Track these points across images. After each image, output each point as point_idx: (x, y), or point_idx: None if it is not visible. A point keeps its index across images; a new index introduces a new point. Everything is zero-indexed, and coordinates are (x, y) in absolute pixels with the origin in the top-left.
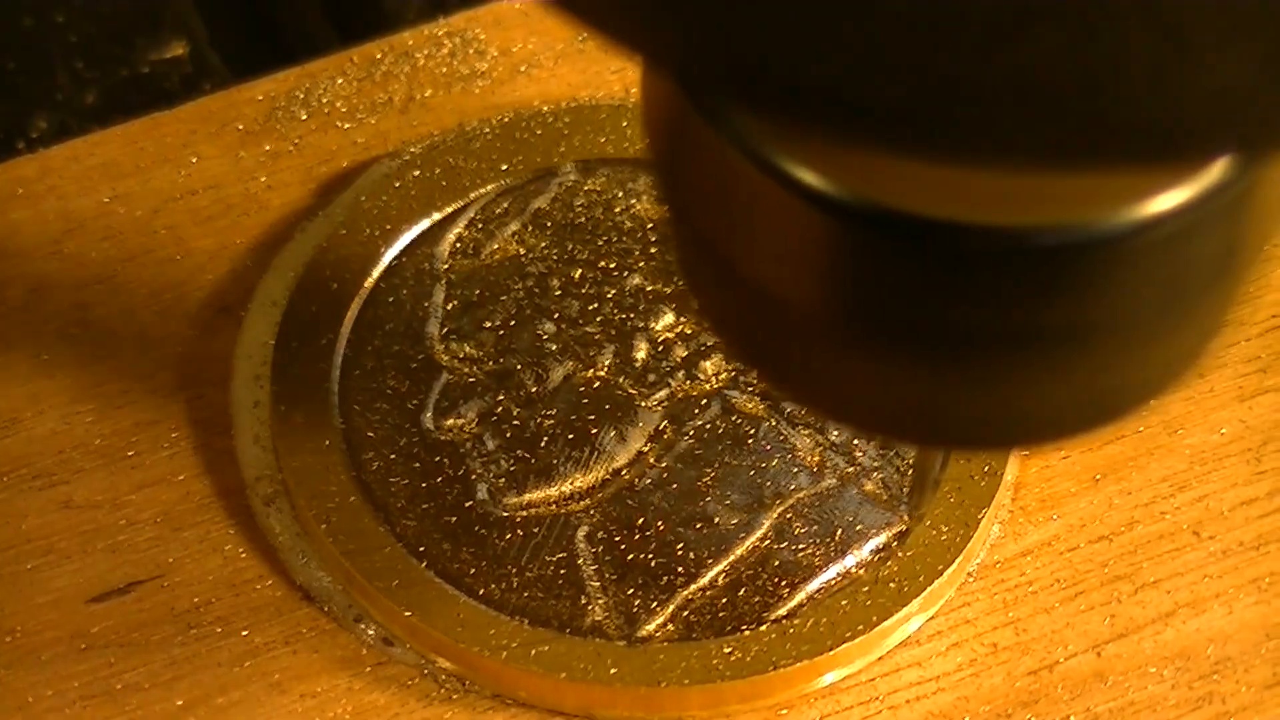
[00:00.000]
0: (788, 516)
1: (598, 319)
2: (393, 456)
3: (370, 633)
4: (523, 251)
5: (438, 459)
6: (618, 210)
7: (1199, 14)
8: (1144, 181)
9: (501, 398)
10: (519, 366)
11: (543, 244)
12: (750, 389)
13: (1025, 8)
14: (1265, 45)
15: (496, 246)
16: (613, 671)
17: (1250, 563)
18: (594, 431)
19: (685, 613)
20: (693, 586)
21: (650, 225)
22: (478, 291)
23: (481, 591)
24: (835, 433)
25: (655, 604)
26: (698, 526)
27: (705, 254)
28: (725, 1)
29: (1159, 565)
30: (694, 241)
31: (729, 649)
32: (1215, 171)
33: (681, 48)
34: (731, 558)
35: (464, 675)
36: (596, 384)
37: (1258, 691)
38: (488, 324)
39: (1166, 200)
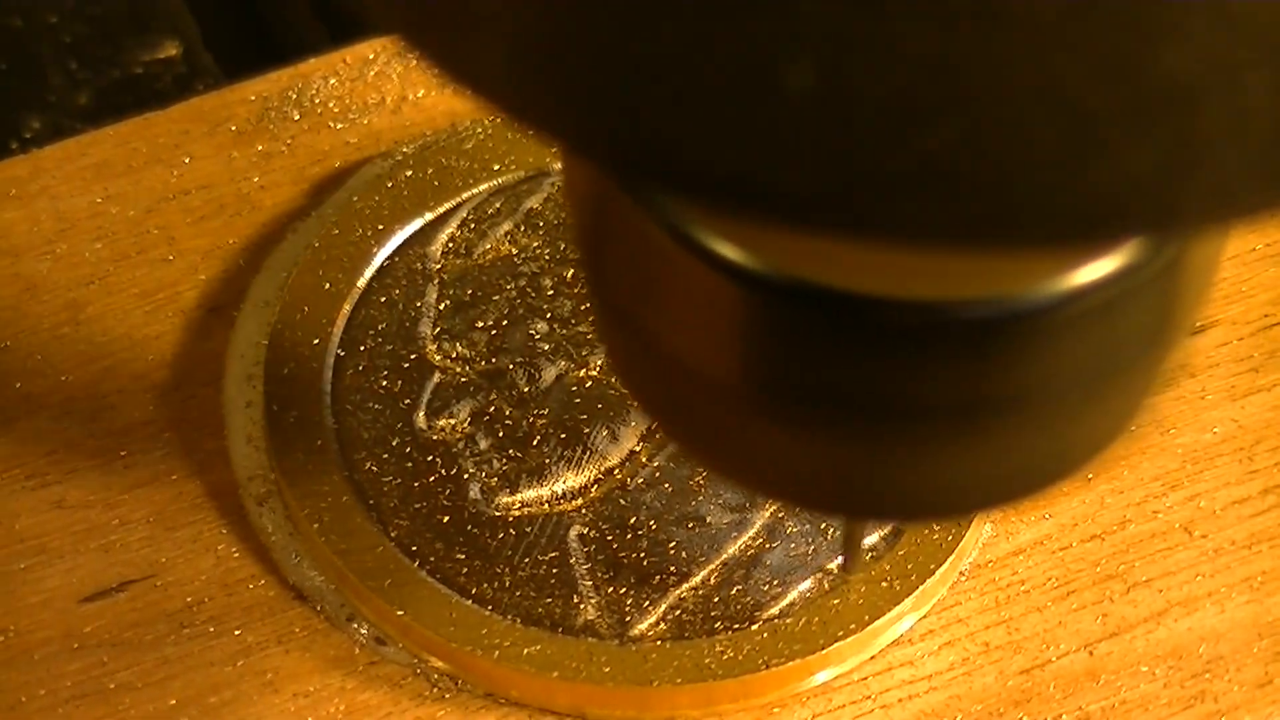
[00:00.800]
0: (780, 515)
1: (590, 318)
2: (385, 456)
3: (363, 632)
4: (515, 251)
5: (430, 458)
6: None
7: (1107, 104)
8: (1069, 255)
9: (494, 397)
10: (511, 366)
11: (535, 244)
12: None
13: (933, 98)
14: (1172, 133)
15: (489, 246)
16: (605, 670)
17: (1242, 561)
18: (586, 431)
19: (677, 612)
20: (685, 586)
21: None
22: (470, 291)
23: (474, 591)
24: None
25: (647, 603)
26: (690, 526)
27: (624, 324)
28: (632, 91)
29: (1151, 564)
30: (613, 311)
31: (721, 648)
32: (1140, 245)
33: (596, 138)
34: (723, 557)
35: (456, 674)
36: (589, 383)
37: (1249, 690)
38: (480, 324)
39: (1092, 273)
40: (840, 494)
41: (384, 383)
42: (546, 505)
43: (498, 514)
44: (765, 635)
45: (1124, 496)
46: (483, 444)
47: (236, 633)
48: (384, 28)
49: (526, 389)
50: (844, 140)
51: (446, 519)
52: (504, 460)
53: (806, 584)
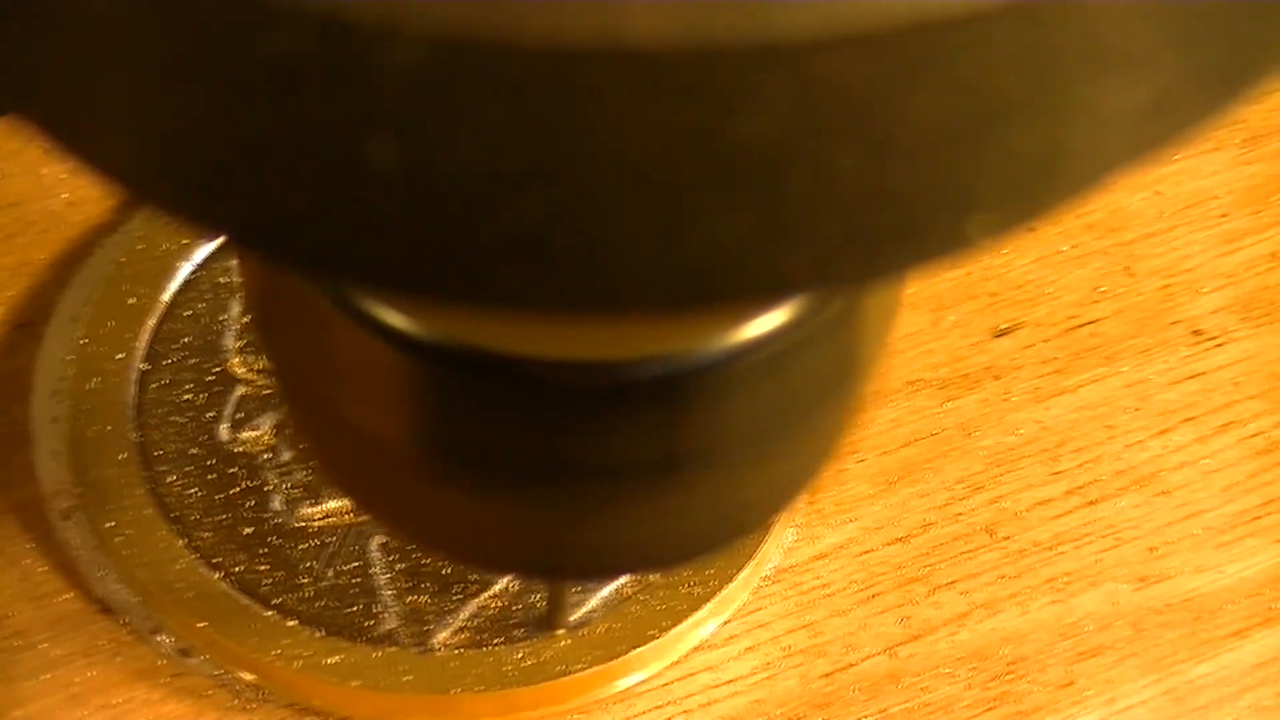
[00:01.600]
0: None
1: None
2: (189, 469)
3: (168, 644)
4: None
5: (233, 470)
6: None
7: (688, 175)
8: (734, 312)
9: None
10: None
11: None
12: None
13: (516, 172)
14: (758, 202)
15: None
16: (406, 679)
17: (1045, 563)
18: None
19: (478, 620)
20: (485, 594)
21: None
22: None
23: (276, 601)
24: None
25: (448, 611)
26: None
27: (300, 391)
28: (240, 176)
29: (954, 566)
30: (287, 374)
31: (521, 655)
32: (806, 299)
33: (212, 221)
34: None
35: (261, 685)
36: None
37: (1052, 691)
38: None
39: (759, 327)
40: (524, 557)
41: (188, 396)
42: (349, 515)
43: (300, 525)
44: (566, 642)
45: (927, 499)
46: (286, 455)
47: (42, 646)
48: None
49: None
50: (431, 215)
51: (249, 530)
52: (306, 471)
53: (607, 590)
